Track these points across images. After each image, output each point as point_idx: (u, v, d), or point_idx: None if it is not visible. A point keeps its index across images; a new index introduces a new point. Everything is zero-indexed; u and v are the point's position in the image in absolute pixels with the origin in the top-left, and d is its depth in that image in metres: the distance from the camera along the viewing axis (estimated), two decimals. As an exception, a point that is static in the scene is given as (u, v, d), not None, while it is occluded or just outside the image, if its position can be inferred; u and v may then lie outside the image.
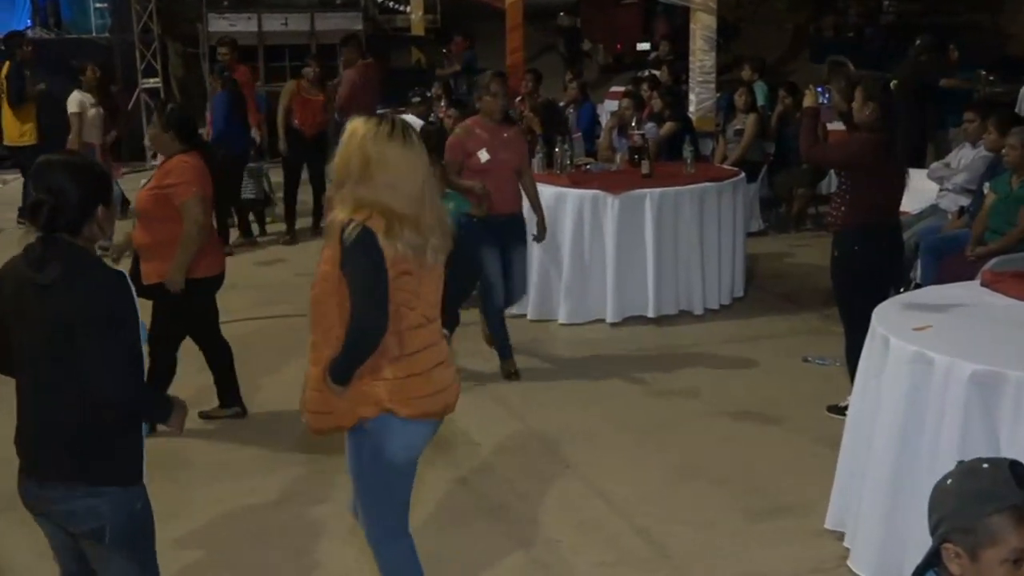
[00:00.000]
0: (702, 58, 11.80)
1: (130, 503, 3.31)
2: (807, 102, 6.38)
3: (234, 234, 10.79)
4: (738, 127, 10.97)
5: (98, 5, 16.75)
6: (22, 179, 11.56)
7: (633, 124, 9.42)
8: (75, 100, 10.88)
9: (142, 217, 5.93)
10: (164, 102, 6.28)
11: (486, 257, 6.93)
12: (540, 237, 7.32)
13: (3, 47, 12.70)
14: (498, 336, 7.22)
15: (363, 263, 3.51)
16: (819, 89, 6.58)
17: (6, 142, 11.95)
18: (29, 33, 15.19)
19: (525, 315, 8.22)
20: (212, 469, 5.83)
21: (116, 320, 3.18)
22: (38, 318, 3.18)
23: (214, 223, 6.29)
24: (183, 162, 5.85)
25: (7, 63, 11.66)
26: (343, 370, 3.59)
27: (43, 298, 3.15)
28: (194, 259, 5.84)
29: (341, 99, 11.15)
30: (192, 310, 6.04)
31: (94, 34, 16.15)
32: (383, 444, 3.71)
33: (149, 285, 5.75)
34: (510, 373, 7.13)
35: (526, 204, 7.20)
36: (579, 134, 11.40)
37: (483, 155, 6.84)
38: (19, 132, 11.60)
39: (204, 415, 6.33)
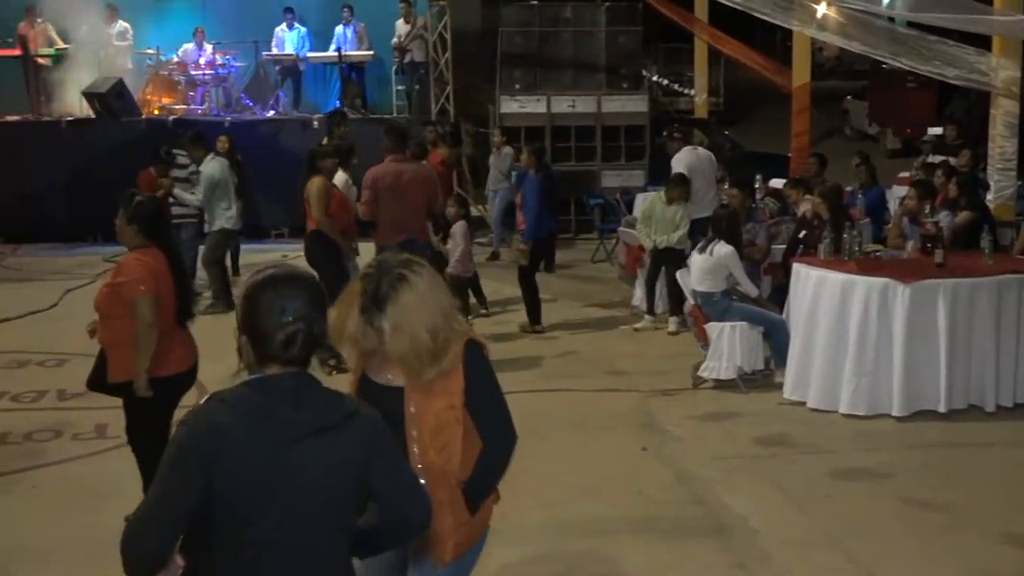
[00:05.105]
0: (1002, 144, 11.32)
1: None
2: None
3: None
4: (1040, 217, 10.43)
5: (399, 88, 17.83)
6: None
7: (927, 212, 9.14)
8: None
9: (100, 315, 5.69)
10: (132, 193, 5.84)
11: None
12: None
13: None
14: None
15: (493, 379, 3.53)
16: None
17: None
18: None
19: (804, 403, 8.08)
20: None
21: (393, 436, 2.99)
22: (317, 465, 2.74)
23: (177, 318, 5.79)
24: (138, 260, 5.57)
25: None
26: (489, 491, 3.61)
27: (325, 439, 2.75)
28: (156, 356, 5.54)
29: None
30: (153, 408, 5.64)
31: (395, 115, 17.17)
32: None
33: (114, 384, 5.67)
34: None
35: None
36: (867, 220, 11.16)
37: None
38: None
39: None
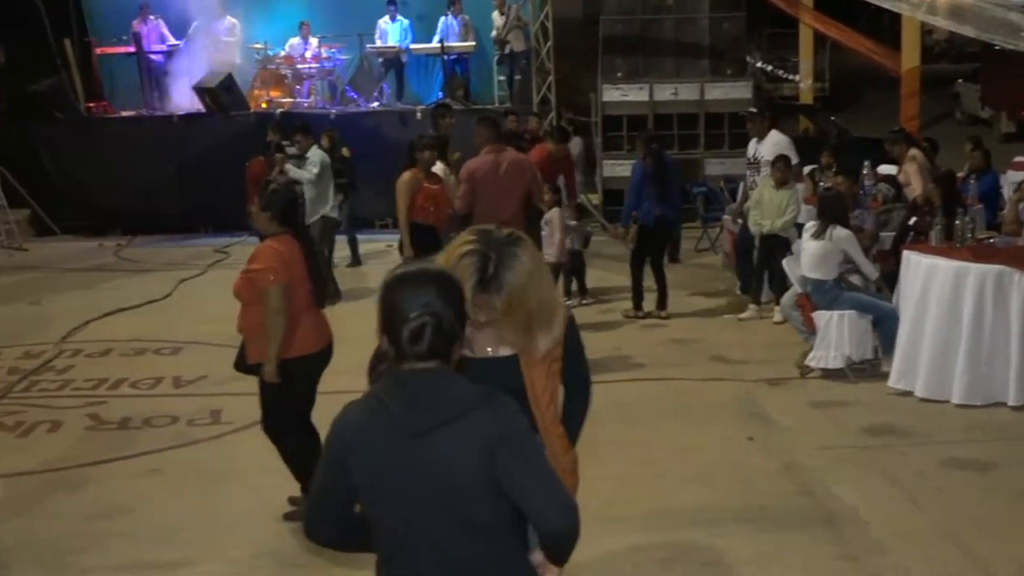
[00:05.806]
0: (1124, 127, 10.94)
1: None
2: None
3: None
4: None
5: (500, 78, 17.90)
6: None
7: (1044, 197, 8.89)
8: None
9: (240, 301, 5.85)
10: (267, 182, 6.10)
11: None
12: None
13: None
14: None
15: (582, 339, 3.70)
16: None
17: None
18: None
19: (911, 392, 7.92)
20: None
21: (531, 432, 2.89)
22: (433, 462, 2.69)
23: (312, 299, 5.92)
24: (270, 247, 5.74)
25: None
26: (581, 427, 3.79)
27: (440, 437, 2.69)
28: (287, 338, 5.69)
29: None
30: (291, 389, 5.82)
31: (496, 104, 17.23)
32: None
33: (252, 365, 5.84)
34: None
35: None
36: (980, 205, 10.88)
37: None
38: None
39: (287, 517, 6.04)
